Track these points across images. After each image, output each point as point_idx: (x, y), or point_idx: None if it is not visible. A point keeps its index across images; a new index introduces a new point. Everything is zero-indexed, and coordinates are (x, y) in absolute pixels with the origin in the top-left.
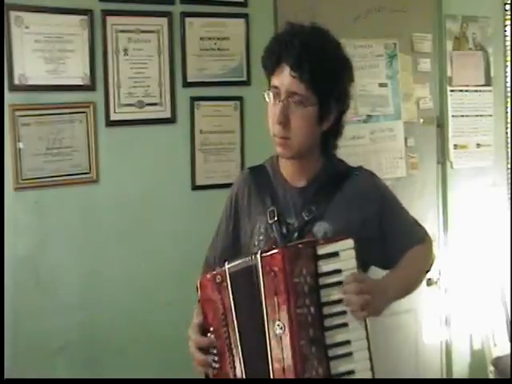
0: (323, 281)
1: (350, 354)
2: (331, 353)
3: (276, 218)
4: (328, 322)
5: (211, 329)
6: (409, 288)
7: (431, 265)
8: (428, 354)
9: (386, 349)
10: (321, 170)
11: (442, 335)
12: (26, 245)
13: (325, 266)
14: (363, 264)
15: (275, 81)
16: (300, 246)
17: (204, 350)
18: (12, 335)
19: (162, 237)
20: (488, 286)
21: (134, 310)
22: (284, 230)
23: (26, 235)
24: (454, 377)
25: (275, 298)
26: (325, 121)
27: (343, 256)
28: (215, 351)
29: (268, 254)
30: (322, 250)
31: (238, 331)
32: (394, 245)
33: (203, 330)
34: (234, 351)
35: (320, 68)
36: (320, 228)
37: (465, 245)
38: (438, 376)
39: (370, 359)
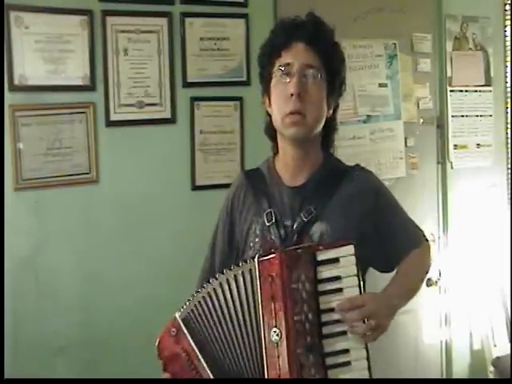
0: (322, 287)
1: (348, 363)
2: (329, 361)
3: (273, 221)
4: (326, 330)
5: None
6: (410, 295)
7: (429, 268)
8: (428, 354)
9: (385, 349)
10: (320, 166)
11: (442, 335)
12: (25, 245)
13: (324, 272)
14: (362, 266)
15: (287, 57)
16: (299, 251)
17: None
18: (12, 336)
19: (162, 237)
20: (488, 286)
21: (133, 310)
22: (282, 233)
23: (26, 235)
24: (453, 377)
25: (272, 304)
26: (331, 104)
27: (343, 262)
28: None
29: (266, 258)
30: (321, 256)
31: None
32: (392, 247)
33: None
34: None
35: (331, 47)
36: (317, 229)
37: (465, 245)
38: (438, 376)
39: (369, 369)
